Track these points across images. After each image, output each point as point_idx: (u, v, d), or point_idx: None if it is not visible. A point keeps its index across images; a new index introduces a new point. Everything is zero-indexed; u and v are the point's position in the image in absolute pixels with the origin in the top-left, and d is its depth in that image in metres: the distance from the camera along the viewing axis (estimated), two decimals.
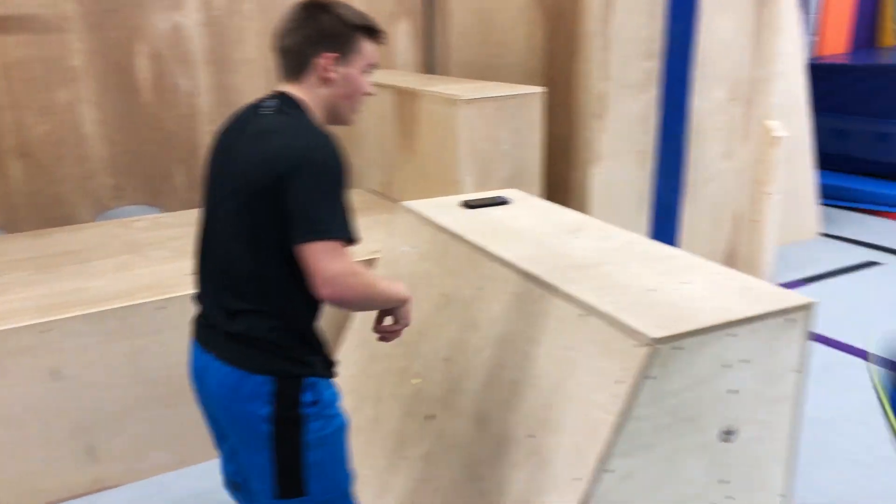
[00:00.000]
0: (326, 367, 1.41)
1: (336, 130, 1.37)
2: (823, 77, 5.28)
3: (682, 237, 3.69)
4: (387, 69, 3.88)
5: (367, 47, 1.42)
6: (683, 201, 3.65)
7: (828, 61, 5.79)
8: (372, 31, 1.43)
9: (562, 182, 3.41)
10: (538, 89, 3.01)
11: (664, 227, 3.62)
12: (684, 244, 3.69)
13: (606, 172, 3.34)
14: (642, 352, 1.39)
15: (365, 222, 3.12)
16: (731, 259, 3.90)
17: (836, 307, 3.71)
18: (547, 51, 3.49)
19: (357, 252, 2.66)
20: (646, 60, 3.33)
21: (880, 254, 4.43)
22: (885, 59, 5.94)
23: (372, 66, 1.44)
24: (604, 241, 1.99)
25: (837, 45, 6.46)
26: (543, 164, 3.13)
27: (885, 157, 5.27)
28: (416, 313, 2.06)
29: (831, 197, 5.11)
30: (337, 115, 1.44)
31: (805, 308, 1.62)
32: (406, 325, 1.48)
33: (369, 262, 2.47)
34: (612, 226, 2.13)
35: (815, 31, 6.35)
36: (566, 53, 3.35)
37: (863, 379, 3.00)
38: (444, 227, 2.10)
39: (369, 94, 1.46)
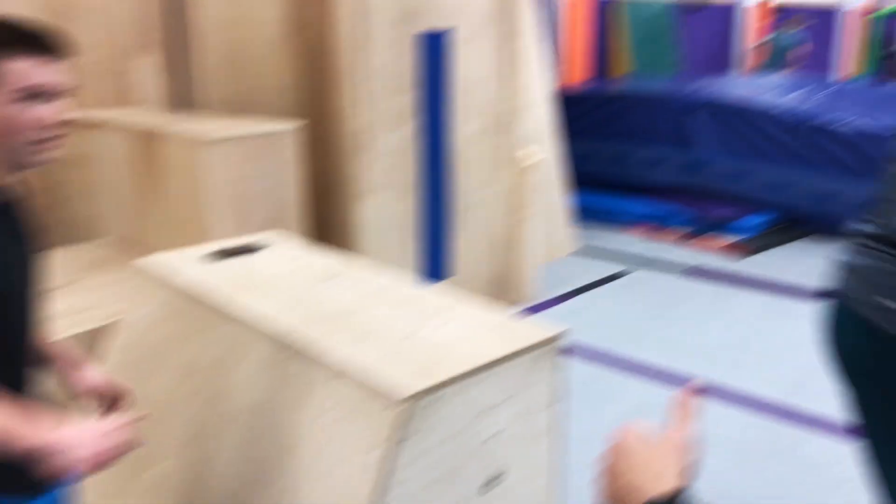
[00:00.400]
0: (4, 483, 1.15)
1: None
2: (570, 104, 5.71)
3: (451, 266, 3.75)
4: (127, 106, 3.55)
5: (16, 67, 1.05)
6: (450, 230, 3.72)
7: (572, 90, 6.29)
8: (19, 43, 1.05)
9: (328, 220, 3.32)
10: (293, 125, 2.90)
11: (433, 257, 3.66)
12: (453, 271, 3.76)
13: (372, 207, 3.31)
14: (395, 412, 1.32)
15: (103, 280, 2.81)
16: (499, 282, 4.05)
17: (593, 319, 3.99)
18: (305, 85, 3.39)
19: (93, 316, 2.36)
20: (402, 94, 3.35)
21: (627, 264, 4.85)
22: (620, 87, 6.58)
23: (33, 90, 1.07)
24: (360, 286, 1.92)
25: (579, 75, 7.07)
26: (306, 203, 3.02)
27: (627, 175, 5.81)
28: (155, 389, 1.84)
29: (584, 214, 5.52)
30: (8, 162, 1.11)
31: (556, 339, 1.65)
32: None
33: (107, 328, 2.20)
34: (369, 268, 2.07)
35: (560, 62, 6.88)
36: (324, 88, 3.28)
37: (621, 388, 3.22)
38: (185, 284, 1.91)
39: (47, 126, 1.09)
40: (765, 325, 3.89)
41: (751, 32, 9.74)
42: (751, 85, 6.36)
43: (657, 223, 5.48)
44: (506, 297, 4.10)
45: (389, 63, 3.25)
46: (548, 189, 4.67)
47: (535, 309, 4.10)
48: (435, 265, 3.67)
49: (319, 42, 3.19)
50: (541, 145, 4.49)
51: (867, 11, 11.07)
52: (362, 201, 3.25)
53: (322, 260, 2.13)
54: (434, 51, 3.44)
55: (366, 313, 1.72)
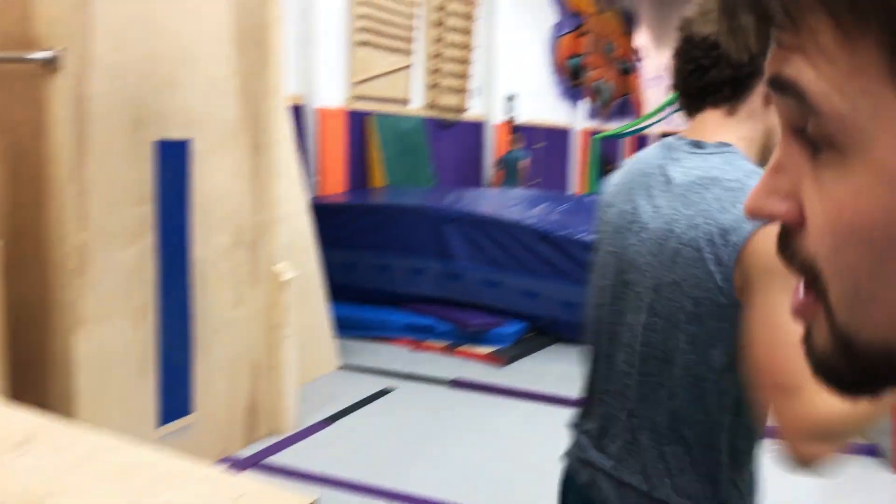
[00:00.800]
0: None
1: None
2: (327, 215, 5.61)
3: (196, 396, 3.32)
4: None
5: None
6: (194, 357, 3.32)
7: (330, 201, 6.22)
8: None
9: (37, 356, 2.77)
10: None
11: (174, 388, 3.22)
12: (199, 403, 3.34)
13: (96, 336, 2.83)
14: None
15: None
16: (253, 410, 3.67)
17: (358, 443, 3.73)
18: (8, 198, 2.88)
19: None
20: (135, 207, 2.98)
21: (392, 379, 4.70)
22: (378, 198, 6.64)
23: None
24: (59, 454, 1.51)
25: (337, 185, 7.05)
26: (5, 340, 2.48)
27: (387, 286, 5.77)
28: None
29: (346, 328, 5.34)
30: None
31: None
32: None
33: None
34: (75, 427, 1.66)
35: (316, 172, 6.82)
36: (33, 201, 2.80)
37: None
38: None
39: None
40: (527, 436, 3.90)
41: (497, 149, 10.54)
42: (499, 198, 6.75)
43: (420, 335, 5.45)
44: (262, 426, 3.72)
45: (119, 173, 2.88)
46: (307, 304, 4.44)
47: (296, 438, 3.76)
48: (176, 400, 3.23)
49: (30, 148, 2.74)
50: (298, 259, 4.28)
51: (591, 133, 12.58)
52: (83, 331, 2.77)
53: (13, 420, 1.68)
54: (173, 161, 3.14)
55: (64, 496, 1.33)
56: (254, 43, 3.58)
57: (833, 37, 0.29)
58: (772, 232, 1.12)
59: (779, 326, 0.93)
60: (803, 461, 0.95)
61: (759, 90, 1.10)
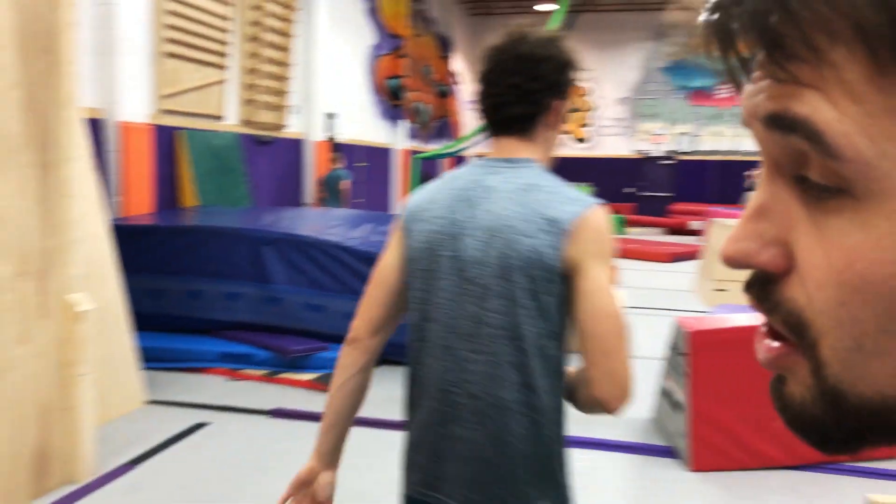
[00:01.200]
0: None
1: None
2: (132, 238, 5.19)
3: None
4: None
5: None
6: None
7: (135, 222, 5.77)
8: None
9: None
10: None
11: None
12: None
13: None
14: None
15: None
16: (43, 458, 3.28)
17: (167, 489, 3.45)
18: None
19: None
20: None
21: (207, 412, 4.41)
22: (189, 219, 6.26)
23: None
24: None
25: (143, 206, 6.55)
26: None
27: (199, 313, 5.43)
28: None
29: (153, 359, 4.95)
30: None
31: None
32: None
33: None
34: None
35: (118, 192, 6.30)
36: None
37: None
38: None
39: None
40: (354, 462, 3.78)
41: (318, 168, 10.37)
42: (320, 219, 6.61)
43: (236, 363, 5.17)
44: (54, 475, 3.33)
45: None
46: (107, 336, 4.06)
47: (95, 485, 3.40)
48: None
49: None
50: (97, 287, 3.90)
51: (412, 153, 12.77)
52: None
53: None
54: None
55: None
56: (41, 50, 3.23)
57: (863, 73, 0.27)
58: (593, 217, 1.24)
59: (600, 299, 1.20)
60: (615, 409, 1.20)
61: (545, 120, 1.33)
